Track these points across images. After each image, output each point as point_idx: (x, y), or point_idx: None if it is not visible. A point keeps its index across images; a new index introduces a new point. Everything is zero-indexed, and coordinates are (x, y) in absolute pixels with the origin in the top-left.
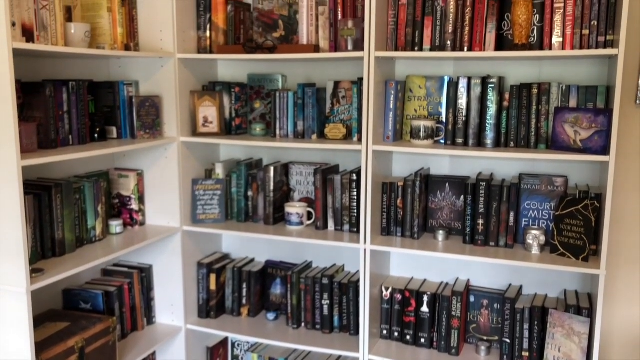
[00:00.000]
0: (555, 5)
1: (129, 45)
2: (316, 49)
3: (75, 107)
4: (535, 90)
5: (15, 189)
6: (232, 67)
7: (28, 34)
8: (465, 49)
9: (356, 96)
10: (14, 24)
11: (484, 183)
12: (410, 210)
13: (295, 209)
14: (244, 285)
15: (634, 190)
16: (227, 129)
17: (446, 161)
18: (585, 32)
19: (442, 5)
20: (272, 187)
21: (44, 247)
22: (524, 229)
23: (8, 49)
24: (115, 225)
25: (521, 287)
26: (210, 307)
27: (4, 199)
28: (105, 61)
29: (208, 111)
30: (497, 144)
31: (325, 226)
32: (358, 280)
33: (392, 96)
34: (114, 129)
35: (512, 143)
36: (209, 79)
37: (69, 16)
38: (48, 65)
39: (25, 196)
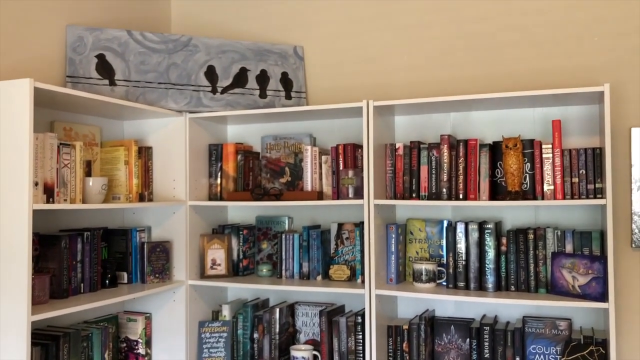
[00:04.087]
0: (544, 156)
1: (143, 194)
2: (320, 195)
3: (88, 256)
4: (531, 236)
5: (22, 343)
6: (241, 210)
7: (49, 191)
8: (461, 196)
9: (359, 238)
10: (36, 184)
11: (488, 327)
12: (416, 354)
13: (300, 353)
14: None
15: (639, 333)
16: (235, 270)
17: (450, 302)
18: (575, 180)
19: (437, 156)
20: (277, 330)
21: None
22: None
23: (29, 210)
24: None
25: None
26: None
27: (11, 352)
28: (120, 209)
29: (216, 253)
30: (498, 287)
31: None
32: None
33: (393, 239)
34: (125, 274)
35: (512, 287)
36: (218, 222)
37: (88, 170)
38: (65, 215)
39: (32, 347)
